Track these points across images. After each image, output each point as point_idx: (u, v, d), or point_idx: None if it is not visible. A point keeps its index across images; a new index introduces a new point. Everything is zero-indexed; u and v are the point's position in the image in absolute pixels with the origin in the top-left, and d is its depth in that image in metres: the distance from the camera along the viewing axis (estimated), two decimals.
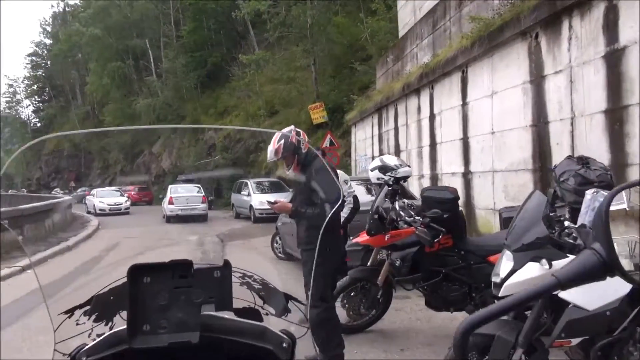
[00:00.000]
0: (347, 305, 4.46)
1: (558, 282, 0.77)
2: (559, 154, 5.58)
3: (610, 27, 4.96)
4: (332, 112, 22.06)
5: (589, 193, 2.42)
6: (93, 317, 1.11)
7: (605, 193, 2.25)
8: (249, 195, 17.53)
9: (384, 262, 4.35)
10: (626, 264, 0.76)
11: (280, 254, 8.62)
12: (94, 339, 1.06)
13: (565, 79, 5.67)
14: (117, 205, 24.87)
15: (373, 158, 10.36)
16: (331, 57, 24.35)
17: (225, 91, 32.11)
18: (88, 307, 1.11)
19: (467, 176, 8.17)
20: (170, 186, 21.37)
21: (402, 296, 5.27)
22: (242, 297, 1.16)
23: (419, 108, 10.41)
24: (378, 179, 4.35)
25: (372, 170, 4.45)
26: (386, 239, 4.11)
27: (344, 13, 25.03)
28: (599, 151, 4.89)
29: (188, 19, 35.19)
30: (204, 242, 12.46)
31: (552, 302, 2.24)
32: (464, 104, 8.31)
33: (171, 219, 18.50)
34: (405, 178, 4.40)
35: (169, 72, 34.73)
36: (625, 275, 0.75)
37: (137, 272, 1.05)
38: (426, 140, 9.96)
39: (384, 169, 4.33)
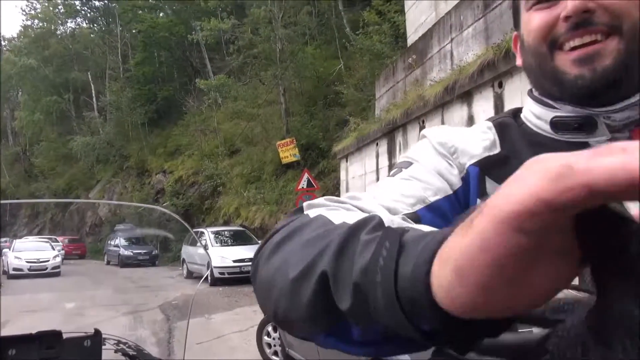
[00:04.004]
0: None
1: None
2: None
3: None
4: (304, 149, 18.95)
5: None
6: None
7: None
8: (206, 248, 13.62)
9: None
10: None
11: (275, 358, 4.76)
12: None
13: None
14: (42, 262, 18.15)
15: None
16: (300, 92, 21.49)
17: (178, 129, 28.32)
18: None
19: None
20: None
21: None
22: None
23: (470, 120, 7.11)
24: None
25: None
26: None
27: (314, 46, 22.51)
28: None
29: (138, 50, 31.56)
30: (141, 321, 8.30)
31: None
32: None
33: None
34: None
35: (113, 105, 30.57)
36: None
37: (1, 344, 1.00)
38: None
39: None
